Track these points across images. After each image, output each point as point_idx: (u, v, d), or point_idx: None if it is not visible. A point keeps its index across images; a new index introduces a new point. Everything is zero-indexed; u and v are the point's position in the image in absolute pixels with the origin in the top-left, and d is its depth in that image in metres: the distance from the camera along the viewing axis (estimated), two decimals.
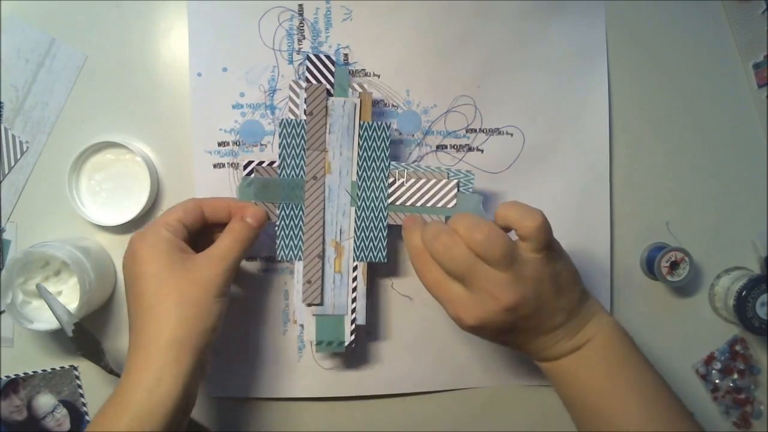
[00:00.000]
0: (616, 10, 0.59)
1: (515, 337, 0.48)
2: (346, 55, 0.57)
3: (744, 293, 0.57)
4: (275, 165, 0.52)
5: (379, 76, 0.57)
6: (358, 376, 0.58)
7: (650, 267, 0.59)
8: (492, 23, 0.57)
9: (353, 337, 0.54)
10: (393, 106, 0.57)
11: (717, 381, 0.62)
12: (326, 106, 0.52)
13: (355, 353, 0.58)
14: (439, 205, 0.53)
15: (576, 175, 0.59)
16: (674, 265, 0.58)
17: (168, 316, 0.44)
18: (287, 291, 0.57)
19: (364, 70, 0.57)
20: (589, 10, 0.58)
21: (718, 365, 0.61)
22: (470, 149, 0.58)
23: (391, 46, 0.57)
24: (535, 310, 0.46)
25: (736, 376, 0.62)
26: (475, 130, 0.58)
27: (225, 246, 0.48)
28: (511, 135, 0.58)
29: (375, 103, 0.57)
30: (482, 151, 0.58)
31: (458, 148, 0.58)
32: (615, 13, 0.59)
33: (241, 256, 0.49)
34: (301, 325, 0.54)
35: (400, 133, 0.57)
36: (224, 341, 0.56)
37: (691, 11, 0.60)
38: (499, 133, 0.58)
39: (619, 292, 0.60)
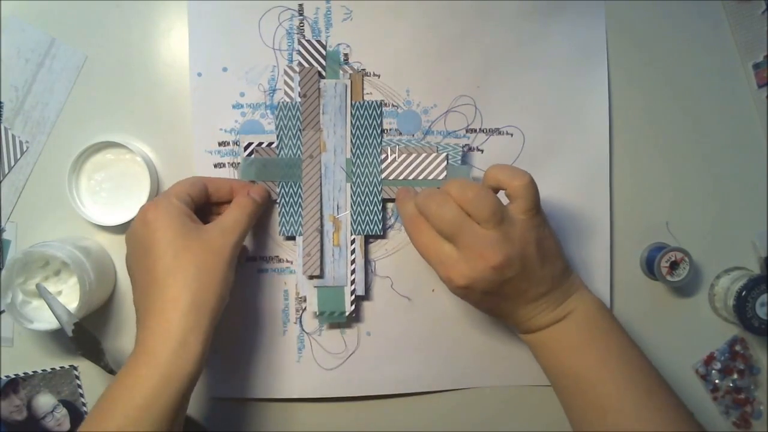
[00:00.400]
0: (616, 10, 0.59)
1: (501, 302, 0.49)
2: (346, 54, 0.56)
3: (744, 293, 0.57)
4: (274, 146, 0.55)
5: (379, 76, 0.57)
6: (358, 377, 0.58)
7: (650, 267, 0.59)
8: (492, 23, 0.57)
9: (353, 307, 0.56)
10: (393, 106, 0.57)
11: (717, 381, 0.62)
12: (318, 88, 0.55)
13: (354, 353, 0.58)
14: (431, 177, 0.55)
15: (576, 175, 0.59)
16: (674, 265, 0.58)
17: (189, 281, 0.45)
18: (287, 291, 0.57)
19: (364, 70, 0.57)
20: (589, 10, 0.58)
21: (718, 365, 0.61)
22: (470, 149, 0.58)
23: (391, 46, 0.57)
24: (520, 272, 0.47)
25: (735, 376, 0.62)
26: (475, 130, 0.58)
27: (234, 218, 0.50)
28: (511, 135, 0.58)
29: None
30: (482, 151, 0.58)
31: None
32: (615, 13, 0.59)
33: (247, 228, 0.51)
34: (304, 298, 0.56)
35: (400, 133, 0.57)
36: (224, 341, 0.56)
37: (691, 11, 0.60)
38: (499, 133, 0.58)
39: (619, 292, 0.60)
